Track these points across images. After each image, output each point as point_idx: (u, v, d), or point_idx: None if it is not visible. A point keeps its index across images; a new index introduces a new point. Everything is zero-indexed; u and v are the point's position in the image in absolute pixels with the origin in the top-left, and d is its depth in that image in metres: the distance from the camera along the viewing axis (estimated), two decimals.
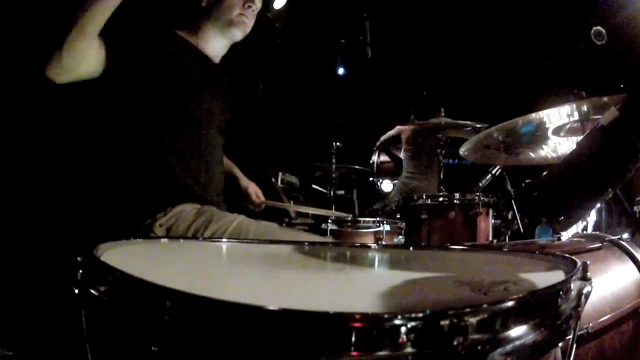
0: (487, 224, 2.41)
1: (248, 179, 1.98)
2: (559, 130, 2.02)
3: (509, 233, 2.48)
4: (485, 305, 0.45)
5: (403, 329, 0.41)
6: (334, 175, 3.46)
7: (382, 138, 4.37)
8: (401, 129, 4.18)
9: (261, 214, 1.93)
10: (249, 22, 1.67)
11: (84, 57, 1.32)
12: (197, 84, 1.57)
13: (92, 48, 1.33)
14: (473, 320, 0.43)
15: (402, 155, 4.15)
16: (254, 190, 1.95)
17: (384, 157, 4.50)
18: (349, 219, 2.37)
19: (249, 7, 1.64)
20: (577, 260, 0.63)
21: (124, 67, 1.41)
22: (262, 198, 1.95)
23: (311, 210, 2.45)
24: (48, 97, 1.58)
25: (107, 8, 1.26)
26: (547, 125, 1.99)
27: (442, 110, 3.51)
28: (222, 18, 1.63)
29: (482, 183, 2.65)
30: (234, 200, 1.91)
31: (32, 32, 1.62)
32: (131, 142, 1.51)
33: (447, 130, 3.30)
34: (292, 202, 3.43)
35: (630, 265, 1.22)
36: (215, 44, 1.68)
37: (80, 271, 0.59)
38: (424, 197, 2.43)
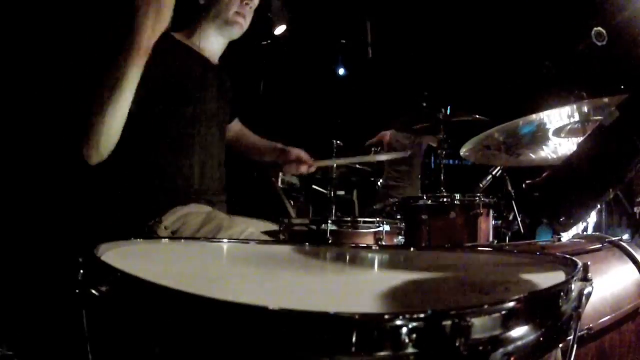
0: (487, 225, 2.41)
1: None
2: (559, 131, 2.02)
3: (510, 234, 2.48)
4: (486, 306, 0.45)
5: (404, 330, 0.41)
6: (334, 175, 3.45)
7: (367, 144, 4.46)
8: (382, 135, 4.28)
9: (260, 214, 1.92)
10: (246, 20, 1.68)
11: (120, 132, 1.33)
12: (197, 86, 1.57)
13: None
14: (474, 320, 0.43)
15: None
16: (305, 155, 1.98)
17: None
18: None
19: (246, 4, 1.65)
20: (578, 261, 0.63)
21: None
22: (311, 160, 1.99)
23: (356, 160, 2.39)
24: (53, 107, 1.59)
25: (131, 93, 1.28)
26: (548, 126, 1.99)
27: (443, 110, 3.51)
28: (219, 17, 1.64)
29: (483, 184, 2.65)
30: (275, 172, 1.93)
31: (65, 119, 1.63)
32: (130, 143, 1.50)
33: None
34: (292, 202, 3.43)
35: (631, 266, 1.22)
36: (214, 42, 1.69)
37: (81, 271, 0.58)
38: (424, 197, 2.43)
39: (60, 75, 1.83)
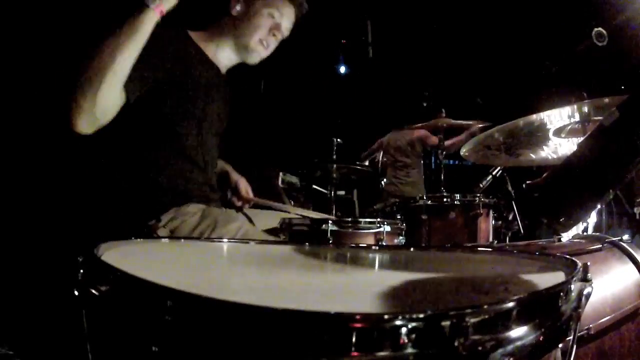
0: (487, 225, 2.41)
1: (247, 179, 1.96)
2: (560, 131, 2.02)
3: (510, 234, 2.48)
4: (486, 306, 0.45)
5: (404, 330, 0.41)
6: (334, 175, 3.45)
7: (367, 151, 4.45)
8: (382, 141, 4.35)
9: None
10: (267, 50, 1.64)
11: (114, 106, 1.31)
12: (203, 91, 1.56)
13: (118, 93, 1.31)
14: (474, 320, 0.43)
15: (381, 162, 4.30)
16: (244, 186, 1.85)
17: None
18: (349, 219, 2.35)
19: (274, 35, 1.61)
20: (578, 261, 0.63)
21: (140, 89, 1.39)
22: (251, 195, 1.86)
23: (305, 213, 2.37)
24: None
25: (135, 54, 1.24)
26: (548, 127, 1.99)
27: (443, 110, 3.52)
28: (243, 38, 1.60)
29: (483, 184, 2.65)
30: (225, 196, 1.86)
31: (55, 83, 1.58)
32: (131, 143, 1.50)
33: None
34: (292, 202, 3.43)
35: (631, 266, 1.22)
36: (228, 58, 1.66)
37: (81, 271, 0.58)
38: (425, 197, 2.43)
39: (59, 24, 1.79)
